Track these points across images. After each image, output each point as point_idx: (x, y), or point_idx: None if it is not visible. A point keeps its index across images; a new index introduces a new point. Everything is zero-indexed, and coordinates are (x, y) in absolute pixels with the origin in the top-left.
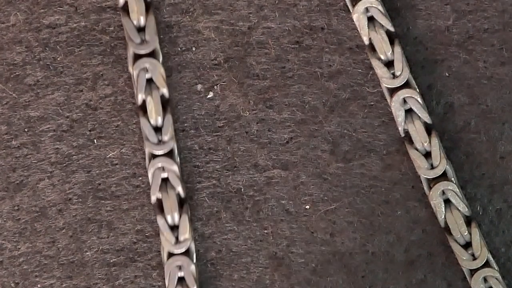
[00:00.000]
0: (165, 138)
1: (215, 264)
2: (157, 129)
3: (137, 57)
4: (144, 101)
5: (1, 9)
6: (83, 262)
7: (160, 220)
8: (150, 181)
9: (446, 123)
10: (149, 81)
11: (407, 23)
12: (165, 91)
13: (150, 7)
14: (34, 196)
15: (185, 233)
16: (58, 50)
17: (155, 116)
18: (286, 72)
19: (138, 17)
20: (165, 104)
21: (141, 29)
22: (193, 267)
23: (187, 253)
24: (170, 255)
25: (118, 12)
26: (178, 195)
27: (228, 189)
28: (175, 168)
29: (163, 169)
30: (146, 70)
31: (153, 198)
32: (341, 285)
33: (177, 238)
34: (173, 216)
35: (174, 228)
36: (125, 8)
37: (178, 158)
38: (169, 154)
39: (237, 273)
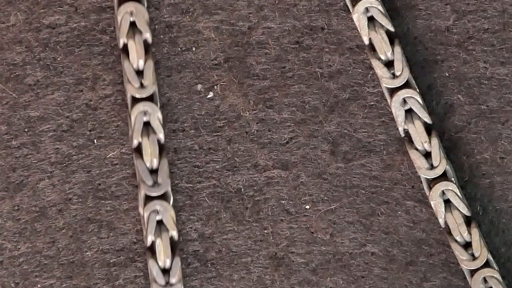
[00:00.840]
0: (160, 180)
1: (215, 264)
2: (153, 171)
3: (135, 100)
4: (139, 144)
5: (1, 9)
6: (83, 262)
7: (152, 266)
8: (146, 223)
9: (446, 123)
10: (146, 124)
11: (407, 23)
12: (161, 136)
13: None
14: (34, 196)
15: (175, 275)
16: (58, 50)
17: (150, 159)
18: (286, 72)
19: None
20: (161, 148)
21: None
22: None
23: None
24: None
25: None
26: (172, 238)
27: (228, 189)
28: (172, 212)
29: (157, 211)
30: (144, 114)
31: (149, 240)
32: (341, 285)
33: (167, 282)
34: (165, 262)
35: (165, 271)
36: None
37: (172, 199)
38: (163, 196)
39: (237, 273)
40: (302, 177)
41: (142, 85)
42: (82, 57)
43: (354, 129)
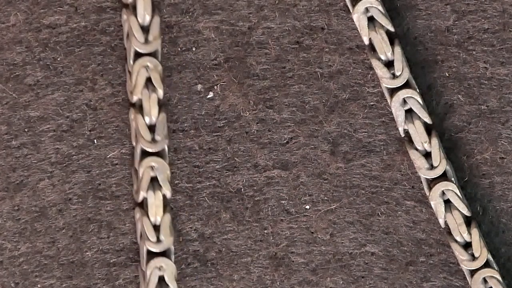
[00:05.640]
0: (162, 237)
1: (215, 264)
2: (156, 227)
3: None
4: (145, 199)
5: (1, 9)
6: (83, 262)
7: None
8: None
9: (446, 123)
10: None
11: (407, 23)
12: (168, 192)
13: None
14: (34, 196)
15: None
16: (58, 50)
17: (155, 215)
18: (286, 72)
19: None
20: (166, 203)
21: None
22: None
23: None
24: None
25: (118, 12)
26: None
27: (228, 189)
28: (173, 268)
29: (159, 268)
30: (151, 168)
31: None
32: (341, 285)
33: None
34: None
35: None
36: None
37: (173, 259)
38: (165, 253)
39: (237, 273)
40: (302, 177)
41: (154, 140)
42: (82, 57)
43: (354, 129)
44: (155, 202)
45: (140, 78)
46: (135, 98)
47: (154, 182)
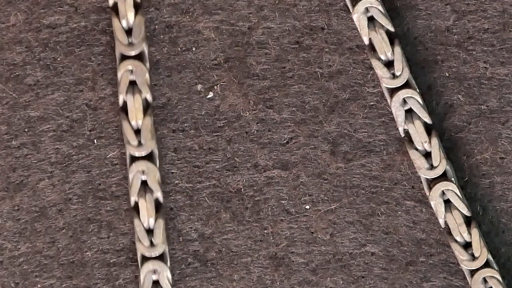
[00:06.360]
0: (156, 241)
1: (215, 264)
2: (149, 230)
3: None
4: (136, 202)
5: (1, 9)
6: (83, 262)
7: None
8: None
9: (446, 123)
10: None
11: (407, 23)
12: (159, 195)
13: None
14: (34, 196)
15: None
16: (58, 50)
17: (147, 218)
18: (286, 72)
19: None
20: (158, 206)
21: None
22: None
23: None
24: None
25: None
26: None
27: (228, 189)
28: (168, 274)
29: (154, 272)
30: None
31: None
32: (341, 285)
33: None
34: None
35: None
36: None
37: (168, 263)
38: (161, 257)
39: (237, 273)
40: (302, 177)
41: (140, 143)
42: (82, 57)
43: (354, 129)
44: (146, 206)
45: (124, 81)
46: (121, 101)
47: (145, 186)
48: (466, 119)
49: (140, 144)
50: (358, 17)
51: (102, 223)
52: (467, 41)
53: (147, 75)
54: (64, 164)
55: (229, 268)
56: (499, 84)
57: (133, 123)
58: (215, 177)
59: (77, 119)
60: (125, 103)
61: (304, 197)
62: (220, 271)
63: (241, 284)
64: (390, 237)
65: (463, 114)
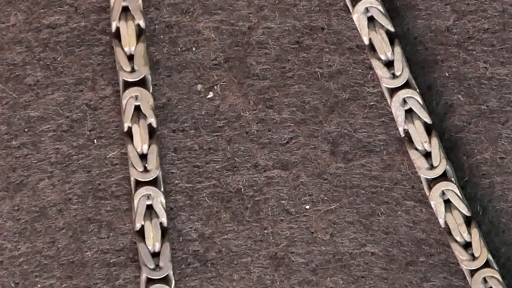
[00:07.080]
0: (161, 264)
1: (215, 264)
2: (155, 255)
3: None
4: (142, 226)
5: (1, 9)
6: (83, 262)
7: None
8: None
9: (446, 123)
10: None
11: (407, 23)
12: (164, 219)
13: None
14: (34, 196)
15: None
16: (58, 50)
17: (153, 242)
18: (286, 72)
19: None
20: (164, 231)
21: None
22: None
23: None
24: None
25: None
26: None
27: (228, 189)
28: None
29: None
30: (147, 197)
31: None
32: (341, 285)
33: None
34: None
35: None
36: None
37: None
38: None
39: (237, 273)
40: (302, 177)
41: (146, 169)
42: (82, 57)
43: (354, 129)
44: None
45: (129, 108)
46: (126, 127)
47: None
48: (466, 119)
49: (146, 170)
50: (358, 17)
51: (102, 223)
52: (467, 41)
53: (149, 99)
54: (64, 164)
55: (229, 268)
56: (499, 84)
57: (138, 149)
58: (215, 177)
59: (77, 119)
60: (129, 128)
61: (304, 197)
62: (220, 271)
63: (241, 284)
64: (390, 237)
65: (463, 114)
